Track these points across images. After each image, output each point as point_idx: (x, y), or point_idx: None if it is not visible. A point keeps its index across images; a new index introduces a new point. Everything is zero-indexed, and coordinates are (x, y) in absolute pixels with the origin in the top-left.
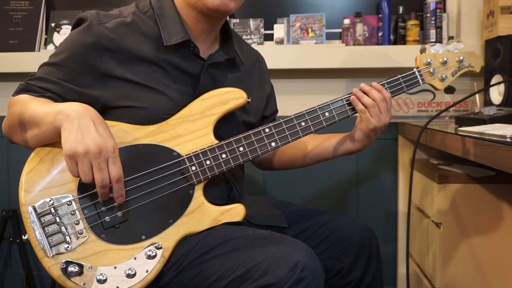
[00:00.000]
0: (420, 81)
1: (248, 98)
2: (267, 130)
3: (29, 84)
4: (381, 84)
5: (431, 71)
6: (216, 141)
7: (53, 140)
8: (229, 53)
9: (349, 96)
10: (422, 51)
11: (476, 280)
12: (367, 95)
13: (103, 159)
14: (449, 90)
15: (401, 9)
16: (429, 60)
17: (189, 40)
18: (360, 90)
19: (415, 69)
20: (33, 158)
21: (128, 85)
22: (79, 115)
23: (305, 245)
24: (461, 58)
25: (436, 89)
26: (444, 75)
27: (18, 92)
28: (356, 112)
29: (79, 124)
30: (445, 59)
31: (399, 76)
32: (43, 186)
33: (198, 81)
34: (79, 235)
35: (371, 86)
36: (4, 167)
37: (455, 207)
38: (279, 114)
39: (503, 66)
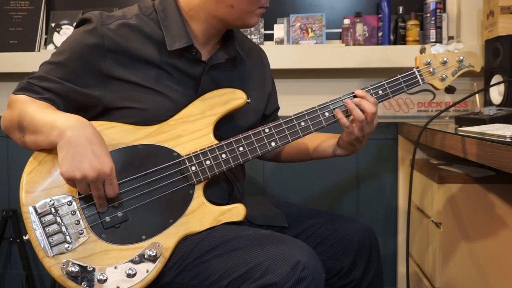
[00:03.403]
0: (420, 81)
1: (248, 99)
2: (267, 130)
3: (30, 83)
4: (381, 84)
5: (431, 71)
6: (216, 141)
7: (50, 148)
8: (230, 53)
9: (349, 96)
10: (422, 51)
11: (476, 280)
12: (359, 106)
13: (100, 182)
14: (450, 90)
15: (401, 9)
16: (429, 60)
17: (192, 46)
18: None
19: (415, 69)
20: (33, 160)
21: (130, 87)
22: (75, 134)
23: (306, 245)
24: (461, 58)
25: (436, 89)
26: (444, 75)
27: (19, 90)
28: None
29: (75, 147)
30: (445, 59)
31: (399, 76)
32: (44, 186)
33: (199, 83)
34: (80, 235)
35: (362, 97)
36: (4, 167)
37: (455, 207)
38: (279, 114)
39: (503, 66)
